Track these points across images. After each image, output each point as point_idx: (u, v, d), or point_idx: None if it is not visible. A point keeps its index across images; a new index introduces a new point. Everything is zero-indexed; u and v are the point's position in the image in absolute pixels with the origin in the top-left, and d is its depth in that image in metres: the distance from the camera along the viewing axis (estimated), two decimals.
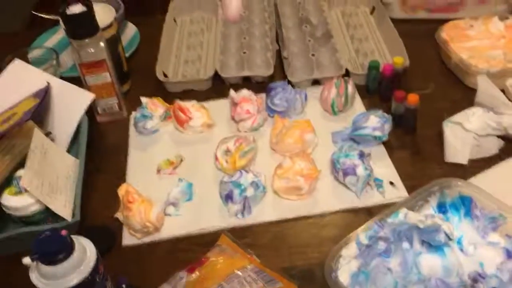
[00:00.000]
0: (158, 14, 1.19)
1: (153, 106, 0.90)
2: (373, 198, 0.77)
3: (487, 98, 0.82)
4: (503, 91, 0.86)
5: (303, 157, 0.79)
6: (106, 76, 0.90)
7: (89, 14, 0.84)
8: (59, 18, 0.94)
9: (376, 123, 0.82)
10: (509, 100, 0.83)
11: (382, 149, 0.85)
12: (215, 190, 0.78)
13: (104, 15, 0.94)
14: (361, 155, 0.77)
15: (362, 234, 0.64)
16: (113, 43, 0.95)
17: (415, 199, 0.69)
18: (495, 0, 1.09)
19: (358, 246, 0.64)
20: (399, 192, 0.77)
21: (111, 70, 0.90)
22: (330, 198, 0.78)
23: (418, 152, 0.85)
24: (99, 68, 0.88)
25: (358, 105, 0.94)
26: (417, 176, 0.79)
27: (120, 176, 0.83)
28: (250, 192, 0.75)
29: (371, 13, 1.19)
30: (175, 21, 1.21)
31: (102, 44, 0.88)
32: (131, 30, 1.19)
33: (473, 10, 1.11)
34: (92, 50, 0.87)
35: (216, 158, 0.82)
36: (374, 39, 1.12)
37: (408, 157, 0.84)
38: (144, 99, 0.91)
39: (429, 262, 0.64)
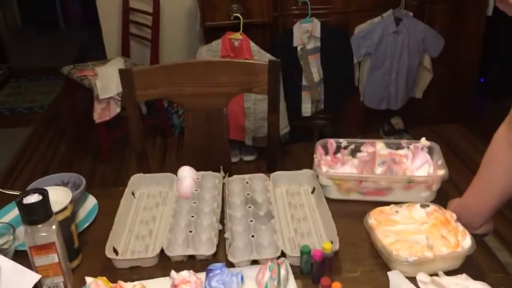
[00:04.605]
0: (118, 187, 1.31)
1: (96, 287, 0.95)
2: None
3: None
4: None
5: None
6: (54, 257, 0.96)
7: (44, 203, 0.94)
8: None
9: None
10: None
11: None
12: None
13: (61, 197, 1.04)
14: None
15: None
16: (66, 223, 1.03)
17: None
18: (419, 187, 1.23)
19: None
20: None
21: (60, 250, 0.97)
22: None
23: None
24: (48, 250, 0.95)
25: (292, 287, 1.00)
26: None
27: None
28: None
29: (312, 192, 1.31)
30: (133, 194, 1.31)
31: (54, 227, 0.96)
32: (90, 203, 1.28)
33: (400, 195, 1.24)
34: (44, 234, 0.95)
35: None
36: (313, 218, 1.22)
37: None
38: (88, 279, 0.96)
39: None
